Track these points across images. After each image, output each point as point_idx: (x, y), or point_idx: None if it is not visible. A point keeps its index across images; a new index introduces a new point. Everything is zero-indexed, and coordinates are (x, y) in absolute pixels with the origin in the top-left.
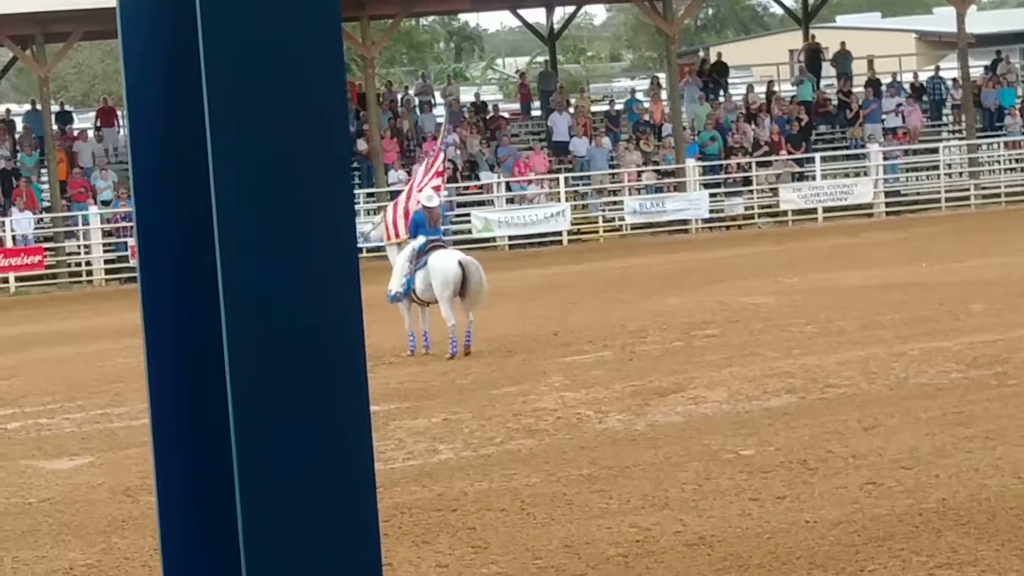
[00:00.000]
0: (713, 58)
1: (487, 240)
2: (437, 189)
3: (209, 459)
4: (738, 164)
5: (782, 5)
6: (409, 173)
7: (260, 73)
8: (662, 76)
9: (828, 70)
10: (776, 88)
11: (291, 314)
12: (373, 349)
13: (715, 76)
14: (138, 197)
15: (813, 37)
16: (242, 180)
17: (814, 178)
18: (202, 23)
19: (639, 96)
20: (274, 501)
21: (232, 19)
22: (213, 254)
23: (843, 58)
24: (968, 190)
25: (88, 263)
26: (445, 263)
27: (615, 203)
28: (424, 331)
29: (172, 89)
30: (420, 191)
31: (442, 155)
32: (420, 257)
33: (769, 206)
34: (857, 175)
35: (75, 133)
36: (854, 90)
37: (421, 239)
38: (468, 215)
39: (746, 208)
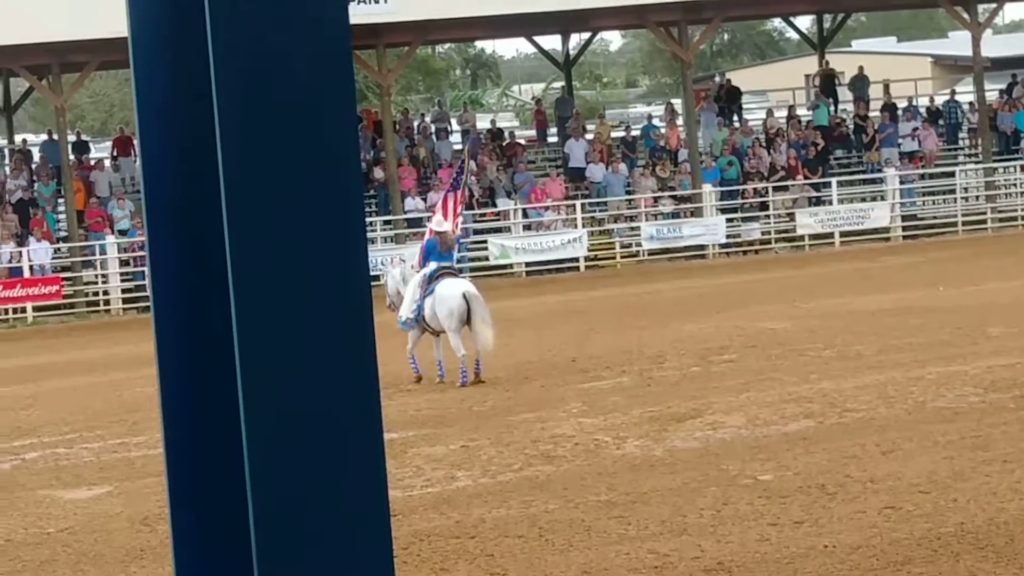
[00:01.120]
0: (726, 83)
1: (504, 267)
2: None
3: (223, 487)
4: (755, 189)
5: (797, 30)
6: (425, 200)
7: (272, 102)
8: (677, 102)
9: (844, 95)
10: (793, 113)
11: (304, 343)
12: (391, 377)
13: (730, 102)
14: (151, 227)
15: (827, 62)
16: (254, 209)
17: (831, 202)
18: (213, 53)
19: (655, 122)
20: (287, 528)
21: (243, 48)
22: (226, 283)
23: (860, 82)
24: (985, 214)
25: (106, 292)
26: (450, 293)
27: (632, 229)
28: (438, 360)
29: (184, 119)
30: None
31: (460, 192)
32: (430, 283)
33: (786, 231)
34: (874, 199)
35: (92, 163)
36: (870, 114)
37: (432, 265)
38: (485, 242)
39: (763, 233)
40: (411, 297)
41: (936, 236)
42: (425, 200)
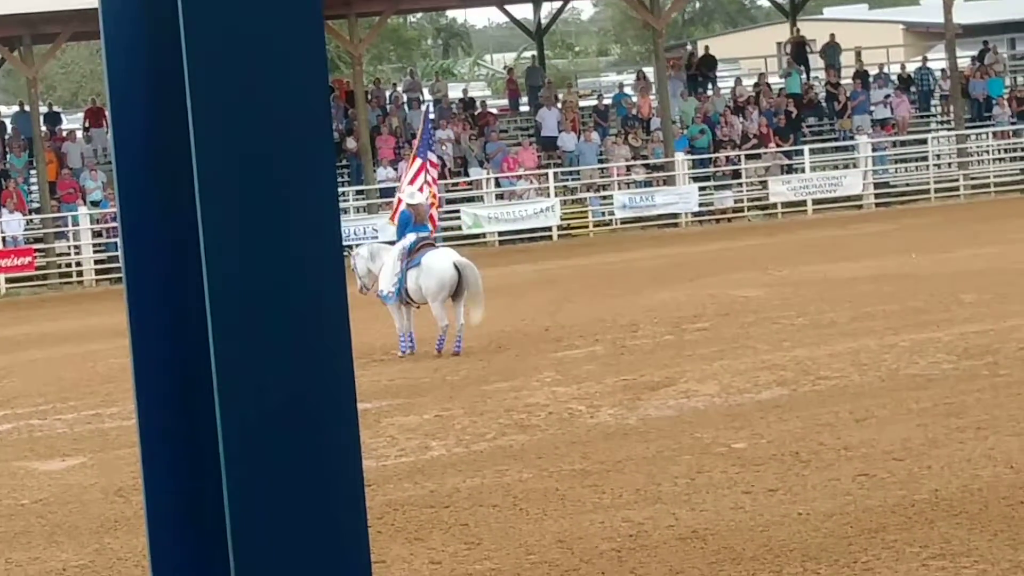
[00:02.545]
0: (701, 52)
1: (477, 236)
2: (423, 188)
3: (197, 458)
4: (727, 157)
5: None
6: (397, 170)
7: (243, 71)
8: (649, 70)
9: (816, 62)
10: (764, 81)
11: (277, 311)
12: (364, 347)
13: (703, 70)
14: (122, 197)
15: (799, 30)
16: (226, 178)
17: (803, 170)
18: (184, 22)
19: (627, 91)
20: (262, 498)
21: (214, 18)
22: (198, 253)
23: (831, 50)
24: (957, 181)
25: (78, 264)
26: (440, 264)
27: (605, 198)
28: (410, 331)
29: (155, 88)
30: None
31: (419, 160)
32: (411, 256)
33: (758, 199)
34: (846, 167)
35: (64, 134)
36: (842, 82)
37: (411, 237)
38: (458, 211)
39: (735, 201)
40: (391, 270)
41: (908, 203)
42: (397, 170)
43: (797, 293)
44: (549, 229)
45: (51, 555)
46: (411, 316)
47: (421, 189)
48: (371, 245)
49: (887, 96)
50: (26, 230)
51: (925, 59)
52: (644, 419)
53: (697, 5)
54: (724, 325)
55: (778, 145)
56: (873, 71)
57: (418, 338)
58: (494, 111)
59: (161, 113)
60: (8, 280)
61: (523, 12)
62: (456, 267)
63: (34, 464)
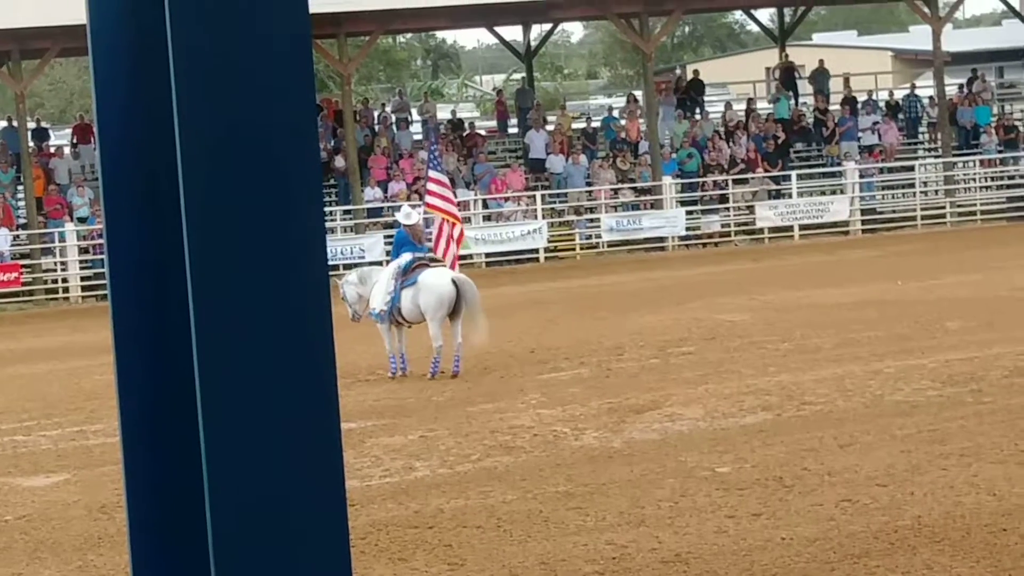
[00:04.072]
0: (690, 76)
1: (464, 257)
2: (430, 206)
3: (179, 476)
4: (715, 182)
5: (758, 23)
6: (385, 191)
7: (230, 91)
8: (639, 94)
9: (805, 88)
10: (753, 106)
11: (261, 331)
12: (349, 367)
13: (691, 94)
14: (109, 214)
15: (788, 55)
16: (212, 199)
17: (790, 196)
18: (172, 42)
19: (616, 114)
20: (244, 518)
21: (202, 37)
22: (184, 271)
23: (820, 76)
24: (944, 208)
25: (64, 280)
26: (439, 282)
27: (592, 220)
28: (401, 352)
29: (143, 107)
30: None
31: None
32: (407, 275)
33: (745, 223)
34: (833, 193)
35: (51, 150)
36: (830, 108)
37: (407, 256)
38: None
39: (723, 225)
40: (384, 288)
41: (895, 230)
42: (385, 191)
43: (783, 318)
44: (536, 251)
45: (34, 571)
46: (403, 337)
47: (430, 206)
48: (359, 270)
49: (875, 123)
50: (12, 246)
51: (913, 86)
52: (628, 442)
53: (686, 29)
54: (709, 349)
55: (766, 170)
56: (862, 97)
57: (410, 359)
58: (482, 132)
59: (148, 131)
60: None
61: (513, 34)
62: (455, 283)
63: (17, 480)
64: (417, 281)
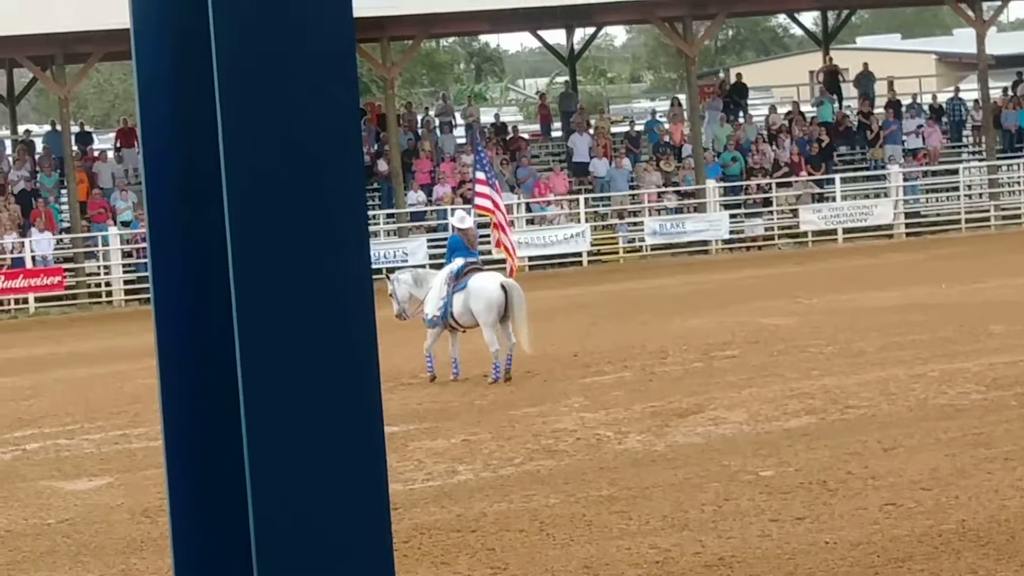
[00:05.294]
0: (733, 79)
1: (497, 262)
2: (480, 207)
3: (222, 479)
4: (758, 185)
5: (802, 26)
6: (430, 195)
7: (274, 96)
8: (682, 97)
9: (849, 91)
10: (797, 109)
11: (305, 335)
12: (392, 371)
13: (735, 97)
14: (152, 218)
15: (831, 59)
16: (255, 201)
17: (834, 199)
18: (216, 47)
19: (659, 117)
20: (287, 520)
21: (246, 40)
22: (227, 275)
23: (864, 79)
24: (988, 211)
25: (108, 284)
26: (488, 286)
27: (635, 224)
28: (454, 358)
29: (186, 109)
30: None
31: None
32: (458, 280)
33: (789, 227)
34: (877, 196)
35: (95, 154)
36: (874, 111)
37: (459, 261)
38: (487, 236)
39: (766, 229)
40: (437, 294)
41: (939, 233)
42: (429, 194)
43: (826, 322)
44: (579, 255)
45: (76, 575)
46: (457, 342)
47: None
48: (415, 271)
49: (919, 126)
50: (56, 249)
51: (957, 89)
52: (672, 446)
53: (730, 33)
54: (753, 353)
55: (810, 174)
56: (906, 101)
57: (462, 362)
58: (526, 136)
59: (191, 134)
60: (38, 299)
61: (556, 37)
62: (503, 288)
63: (60, 484)
64: (467, 286)
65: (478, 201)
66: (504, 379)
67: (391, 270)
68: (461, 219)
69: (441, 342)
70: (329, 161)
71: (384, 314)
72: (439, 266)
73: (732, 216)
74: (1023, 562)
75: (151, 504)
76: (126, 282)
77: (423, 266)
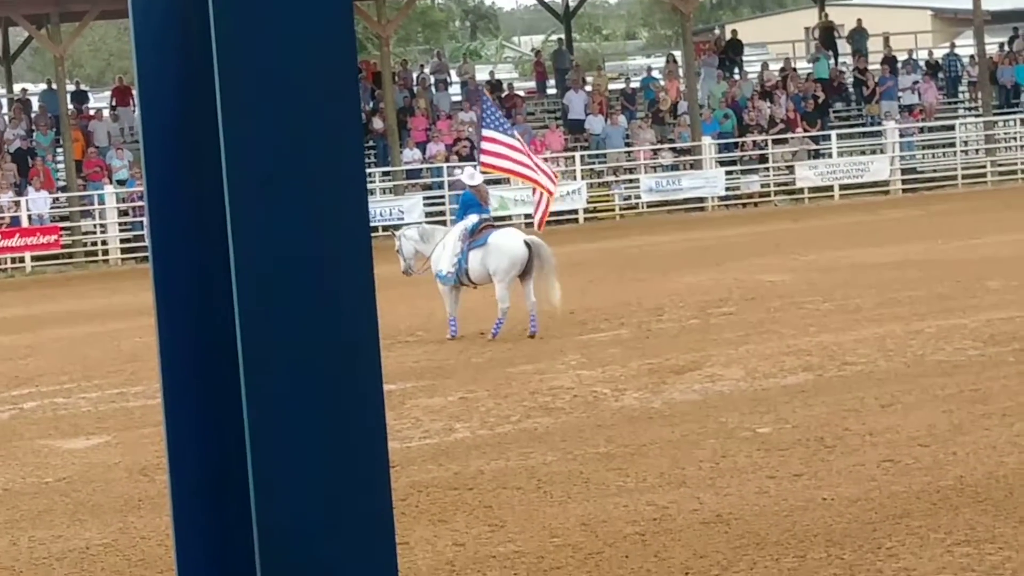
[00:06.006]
0: (728, 36)
1: (503, 218)
2: (486, 165)
3: (222, 437)
4: (754, 142)
5: None
6: (424, 152)
7: (271, 51)
8: (678, 54)
9: (844, 47)
10: (792, 66)
11: (303, 290)
12: (389, 328)
13: (730, 54)
14: (149, 176)
15: (827, 15)
16: (253, 157)
17: (830, 155)
18: (212, 3)
19: (655, 74)
20: (287, 478)
21: None
22: (225, 233)
23: (859, 35)
24: (984, 167)
25: (104, 242)
26: (512, 242)
27: (631, 181)
28: (453, 316)
29: (183, 67)
30: (545, 175)
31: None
32: (474, 236)
33: (785, 184)
34: (873, 152)
35: (91, 112)
36: (870, 67)
37: (473, 218)
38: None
39: (762, 186)
40: (451, 251)
41: (936, 189)
42: (424, 152)
43: (823, 278)
44: (575, 212)
45: (74, 533)
46: (458, 299)
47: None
48: (422, 227)
49: (915, 82)
50: (52, 208)
51: (953, 45)
52: (669, 403)
53: None
54: (750, 310)
55: (805, 130)
56: (901, 57)
57: (460, 319)
58: (521, 94)
59: (189, 92)
60: (34, 258)
61: None
62: (528, 245)
63: (58, 442)
64: (487, 242)
65: (484, 159)
66: (528, 336)
67: (387, 228)
68: (471, 176)
69: (438, 300)
70: (327, 118)
71: (383, 270)
72: (435, 223)
73: (728, 173)
74: (1021, 518)
75: (149, 462)
76: (122, 241)
77: (418, 224)
